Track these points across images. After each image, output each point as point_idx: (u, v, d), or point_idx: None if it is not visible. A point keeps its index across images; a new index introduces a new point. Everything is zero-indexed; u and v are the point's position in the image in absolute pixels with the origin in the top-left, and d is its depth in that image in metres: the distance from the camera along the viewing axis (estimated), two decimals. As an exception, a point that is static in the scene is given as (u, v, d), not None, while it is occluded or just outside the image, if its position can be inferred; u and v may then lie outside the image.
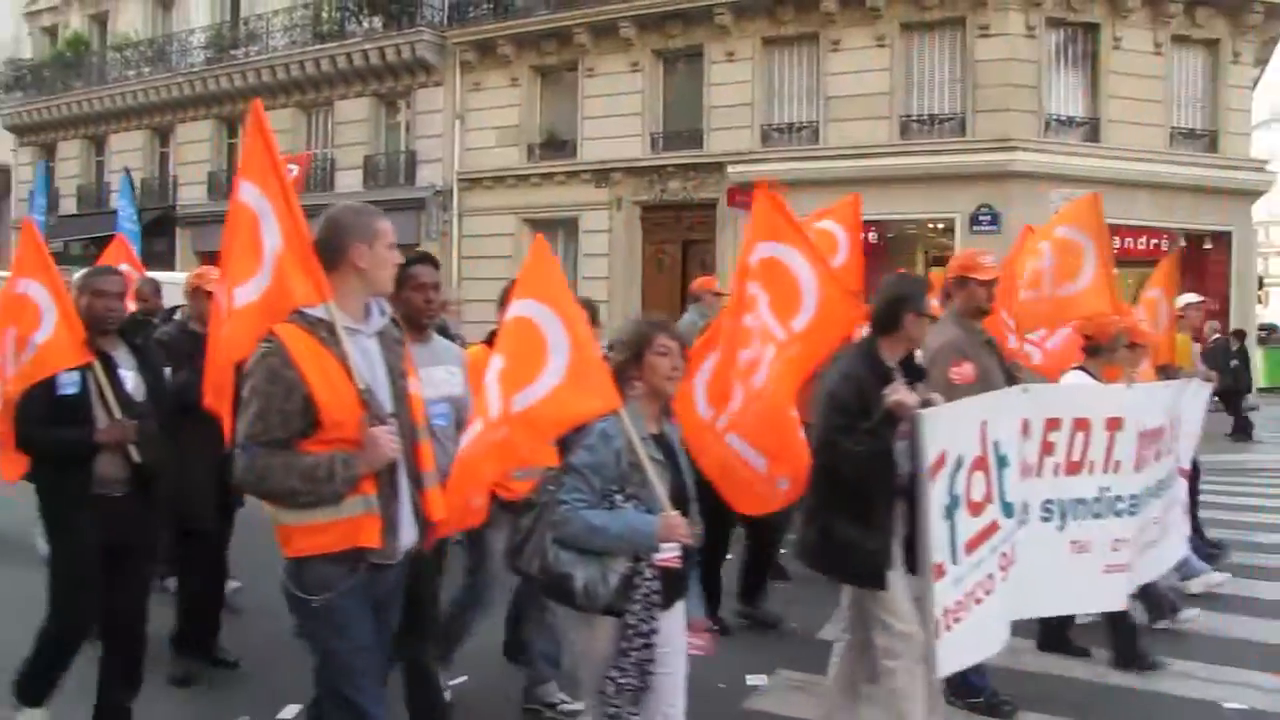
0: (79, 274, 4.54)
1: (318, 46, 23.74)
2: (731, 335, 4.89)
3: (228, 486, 4.72)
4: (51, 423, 4.17)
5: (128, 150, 28.06)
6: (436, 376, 4.10)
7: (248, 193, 3.35)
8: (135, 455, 4.21)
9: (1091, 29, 18.19)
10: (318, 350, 2.92)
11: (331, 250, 3.04)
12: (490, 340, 4.51)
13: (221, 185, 25.97)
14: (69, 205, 29.32)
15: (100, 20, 29.31)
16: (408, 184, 22.51)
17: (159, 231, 25.53)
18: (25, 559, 7.12)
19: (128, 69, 27.68)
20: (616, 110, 20.39)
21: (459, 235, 22.15)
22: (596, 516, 3.22)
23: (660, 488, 3.28)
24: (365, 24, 23.31)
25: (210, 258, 18.71)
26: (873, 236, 17.27)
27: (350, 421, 2.92)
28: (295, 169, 11.20)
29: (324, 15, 24.07)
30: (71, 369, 4.18)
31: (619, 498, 3.28)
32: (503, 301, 4.26)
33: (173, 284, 10.68)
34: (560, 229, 20.61)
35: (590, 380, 3.35)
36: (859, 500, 3.89)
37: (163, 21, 27.93)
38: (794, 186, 18.00)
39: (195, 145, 26.65)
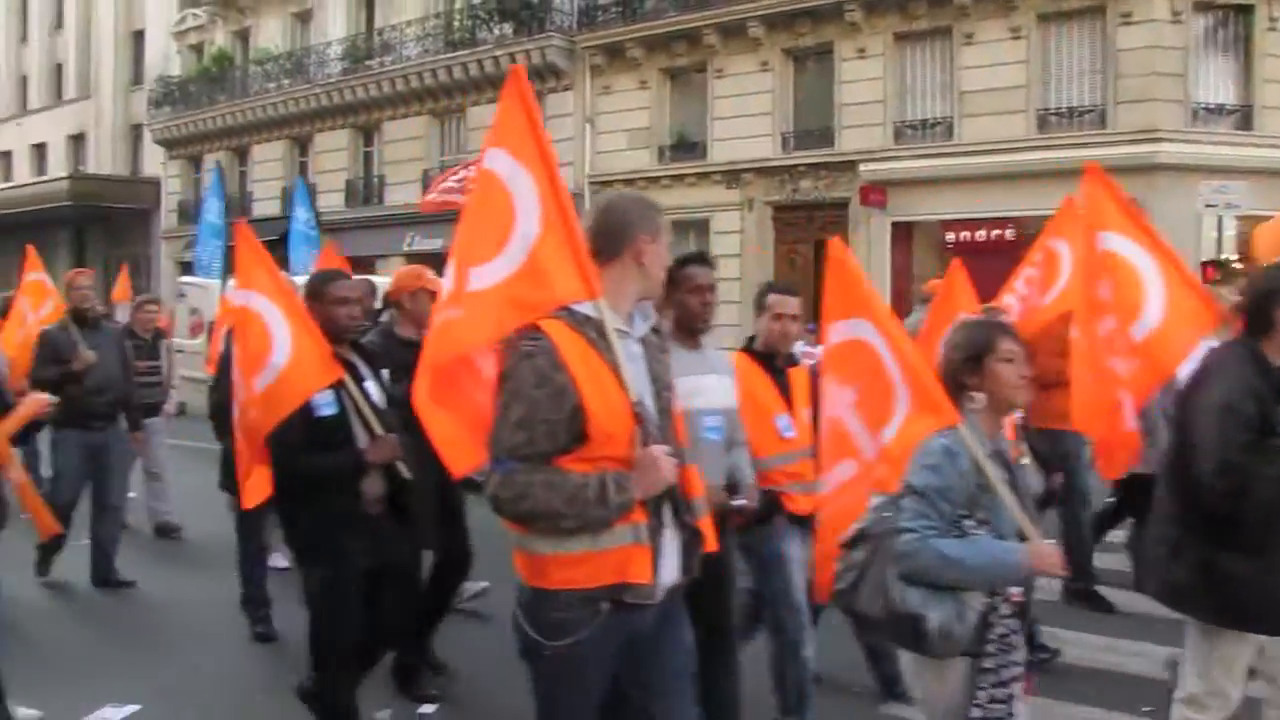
0: (308, 280, 4.42)
1: (450, 54, 24.90)
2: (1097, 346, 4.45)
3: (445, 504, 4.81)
4: (313, 447, 4.04)
5: (269, 160, 29.85)
6: (708, 385, 3.86)
7: (500, 162, 3.05)
8: (404, 471, 4.15)
9: (1244, 11, 17.96)
10: (587, 353, 2.65)
11: (610, 241, 2.82)
12: (749, 348, 4.46)
13: (359, 193, 27.47)
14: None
15: (243, 36, 31.21)
16: (539, 187, 23.40)
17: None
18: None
19: (268, 82, 29.41)
20: (746, 110, 20.92)
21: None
22: (950, 546, 2.88)
23: (1018, 511, 2.98)
24: (496, 31, 24.35)
25: (348, 263, 19.83)
26: (1010, 234, 17.50)
27: (622, 436, 2.65)
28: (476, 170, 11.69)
29: (455, 24, 25.25)
30: (323, 389, 4.07)
31: (970, 524, 2.94)
32: (757, 306, 4.44)
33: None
34: (691, 231, 21.24)
35: (929, 397, 3.15)
36: (1256, 529, 3.39)
37: (301, 35, 29.63)
38: (928, 184, 18.53)
39: (332, 154, 28.18)
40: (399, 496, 4.17)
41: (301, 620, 4.31)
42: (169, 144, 32.81)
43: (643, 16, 22.24)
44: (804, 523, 4.09)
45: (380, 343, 4.91)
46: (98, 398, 7.13)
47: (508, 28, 24.09)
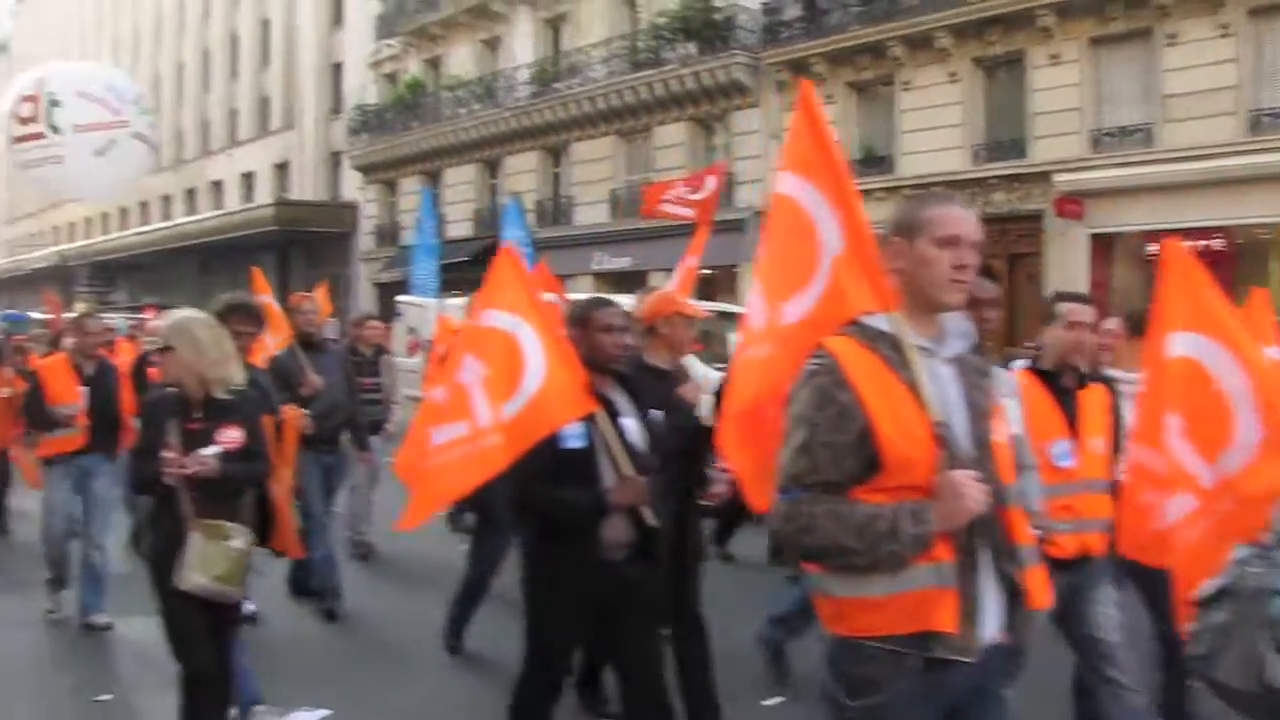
0: (573, 306, 4.38)
1: (635, 75, 25.76)
2: None
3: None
4: (555, 480, 3.92)
5: (461, 183, 31.43)
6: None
7: (795, 187, 3.00)
8: (649, 518, 3.96)
9: None
10: (879, 370, 2.48)
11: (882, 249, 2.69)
12: (1035, 365, 4.17)
13: (548, 213, 28.59)
14: (409, 237, 32.97)
15: (434, 64, 32.96)
16: (726, 206, 23.90)
17: (489, 258, 28.31)
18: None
19: (459, 107, 30.98)
20: (935, 123, 21.00)
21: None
22: None
23: None
24: (681, 50, 25.01)
25: (559, 282, 20.71)
26: (1219, 244, 17.07)
27: (921, 463, 2.42)
28: (712, 181, 12.03)
29: (640, 45, 26.09)
30: (574, 421, 3.95)
31: None
32: (1045, 317, 4.16)
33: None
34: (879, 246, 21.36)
35: None
36: None
37: (490, 61, 31.11)
38: (1128, 193, 18.22)
39: (522, 176, 29.46)
40: (645, 544, 3.99)
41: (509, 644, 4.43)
42: (366, 169, 34.90)
43: (827, 31, 22.52)
44: (1069, 566, 3.76)
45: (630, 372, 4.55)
46: (325, 422, 7.17)
47: (692, 47, 24.77)
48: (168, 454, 4.22)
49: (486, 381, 4.09)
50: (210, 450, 4.27)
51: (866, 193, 21.92)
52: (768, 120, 23.62)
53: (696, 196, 11.82)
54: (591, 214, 26.67)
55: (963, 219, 2.58)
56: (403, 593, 8.01)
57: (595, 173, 27.48)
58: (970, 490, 2.37)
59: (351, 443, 7.83)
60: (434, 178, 32.95)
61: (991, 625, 2.50)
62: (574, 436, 3.94)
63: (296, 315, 7.54)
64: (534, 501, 4.03)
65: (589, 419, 3.96)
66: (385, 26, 34.05)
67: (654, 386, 4.41)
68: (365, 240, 35.57)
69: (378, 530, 8.85)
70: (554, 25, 29.27)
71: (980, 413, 2.59)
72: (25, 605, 7.28)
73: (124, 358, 10.43)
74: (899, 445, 2.42)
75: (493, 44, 31.09)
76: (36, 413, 7.11)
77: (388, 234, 34.55)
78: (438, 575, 8.11)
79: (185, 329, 4.44)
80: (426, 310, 16.41)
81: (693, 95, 24.80)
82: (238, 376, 4.55)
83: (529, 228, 19.95)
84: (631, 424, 4.08)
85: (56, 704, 4.34)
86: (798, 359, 2.64)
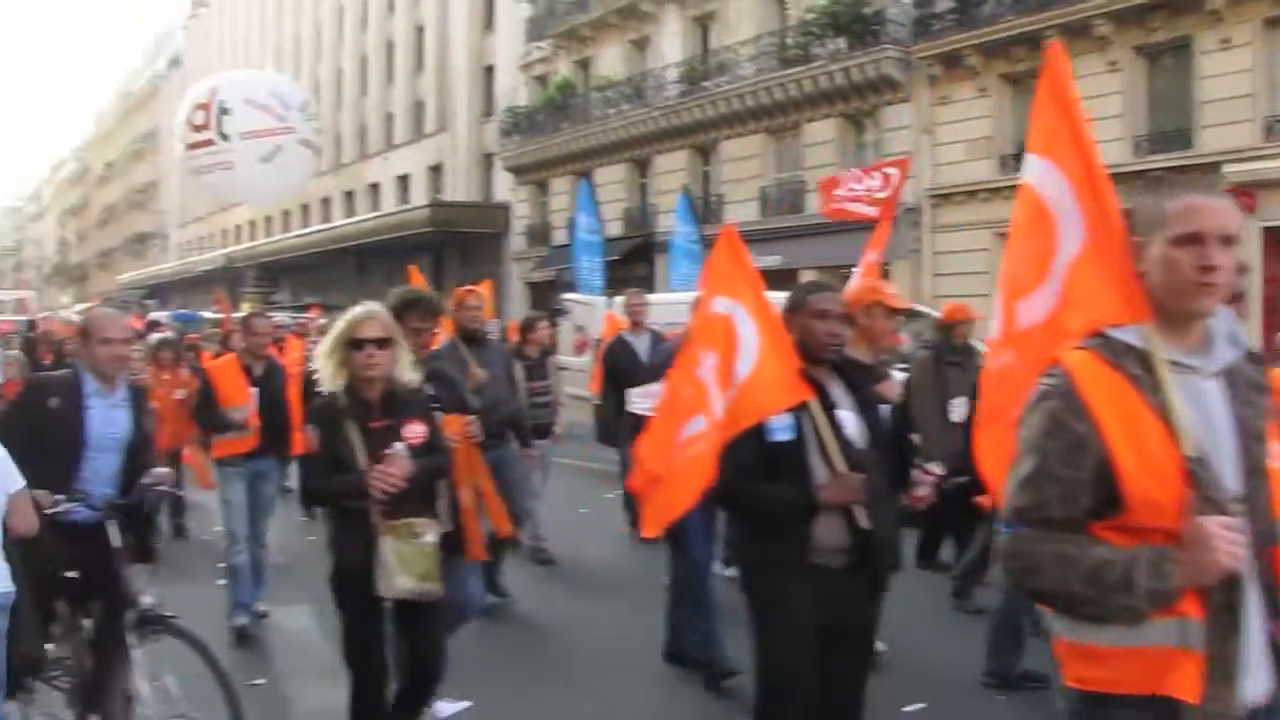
0: (791, 291, 4.09)
1: (784, 72, 25.98)
2: None
3: None
4: (762, 475, 3.75)
5: (611, 182, 32.07)
6: None
7: (1036, 171, 2.82)
8: (862, 519, 3.68)
9: None
10: (1124, 394, 2.20)
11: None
12: None
13: (697, 211, 28.85)
14: (560, 237, 33.89)
15: (584, 65, 33.74)
16: (876, 202, 23.88)
17: (639, 257, 28.91)
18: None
19: (609, 107, 31.65)
20: (1094, 114, 20.57)
21: (930, 252, 23.28)
22: None
23: None
24: (830, 46, 25.08)
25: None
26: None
27: (1168, 504, 2.14)
28: (895, 173, 11.60)
29: (789, 41, 26.25)
30: (783, 410, 3.72)
31: None
32: None
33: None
34: (1036, 241, 21.07)
35: None
36: None
37: (639, 61, 31.68)
38: (1305, 185, 17.61)
39: (671, 174, 29.90)
40: (863, 550, 3.73)
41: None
42: (518, 170, 35.93)
43: (980, 22, 22.31)
44: None
45: None
46: (488, 415, 6.84)
47: (841, 42, 24.82)
48: (381, 469, 4.14)
49: (717, 372, 3.95)
50: (398, 448, 4.21)
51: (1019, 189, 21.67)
52: (919, 115, 23.56)
53: (881, 194, 11.86)
54: (741, 212, 26.94)
55: (1206, 210, 2.24)
56: (572, 596, 8.05)
57: (744, 171, 27.77)
58: (1224, 542, 2.07)
59: (515, 440, 7.68)
60: (584, 178, 33.63)
61: (1256, 684, 2.18)
62: (782, 428, 3.74)
63: (461, 310, 7.47)
64: (738, 497, 3.87)
65: (800, 410, 3.75)
66: (535, 29, 35.00)
67: (855, 379, 4.06)
68: (517, 240, 36.62)
69: (547, 532, 8.91)
70: (702, 24, 29.66)
71: (1253, 435, 2.27)
72: (196, 596, 7.04)
73: (293, 356, 11.06)
74: (1142, 484, 2.15)
75: (641, 44, 31.67)
76: (208, 415, 7.22)
77: (539, 234, 35.50)
78: (610, 580, 8.45)
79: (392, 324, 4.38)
80: (594, 308, 16.52)
81: (842, 91, 24.87)
82: (413, 372, 4.50)
83: (698, 225, 19.79)
84: (848, 417, 3.85)
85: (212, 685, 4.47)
86: (1034, 370, 2.39)
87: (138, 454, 4.85)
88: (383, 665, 4.41)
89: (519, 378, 8.20)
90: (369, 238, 40.11)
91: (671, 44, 30.22)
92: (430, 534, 4.29)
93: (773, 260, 24.61)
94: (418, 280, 8.97)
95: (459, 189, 40.11)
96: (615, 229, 31.32)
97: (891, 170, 11.81)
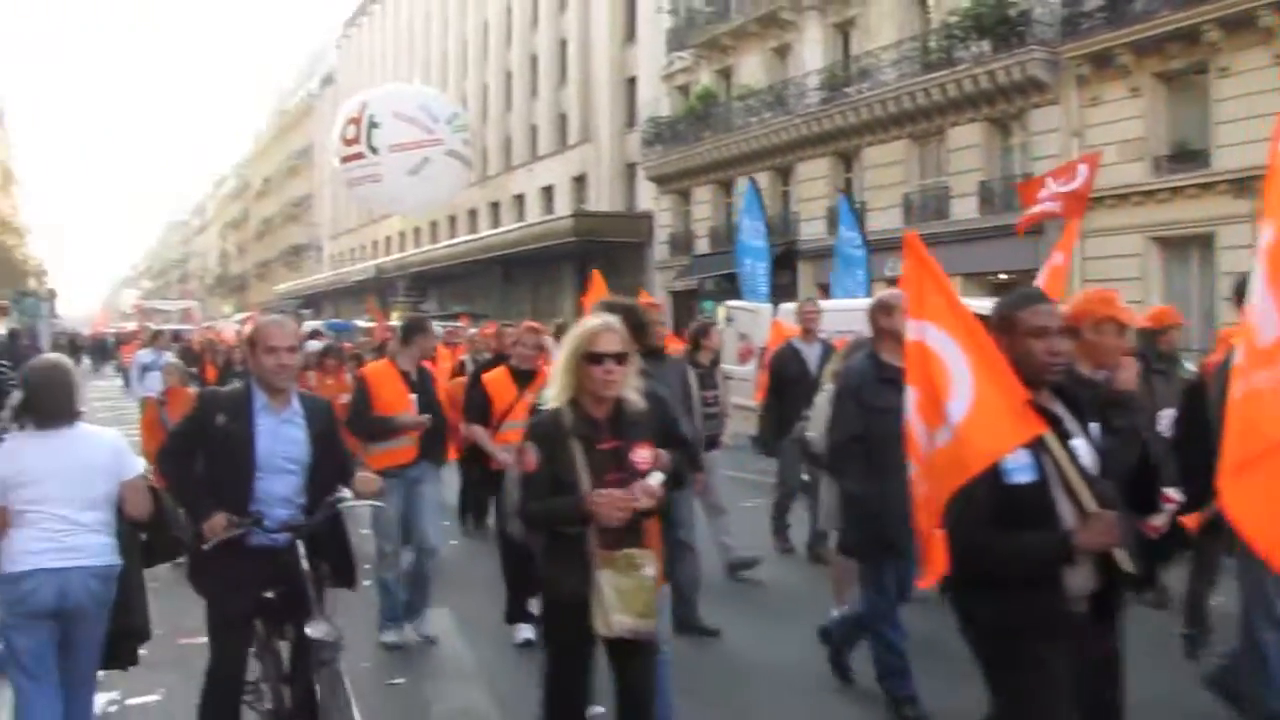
0: (997, 304, 3.63)
1: (927, 77, 25.89)
2: None
3: None
4: (1002, 523, 3.28)
5: (753, 191, 32.28)
6: None
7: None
8: (1125, 563, 3.33)
9: None
10: None
11: None
12: None
13: (838, 220, 28.99)
14: (702, 246, 34.38)
15: (725, 74, 34.15)
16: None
17: (782, 265, 29.07)
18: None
19: (750, 116, 31.99)
20: (1257, 111, 20.00)
21: (1081, 257, 22.90)
22: None
23: None
24: (974, 49, 24.89)
25: (826, 291, 20.82)
26: None
27: None
28: (1085, 168, 11.25)
29: (932, 45, 26.13)
30: (1018, 448, 3.27)
31: None
32: None
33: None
34: (1193, 247, 20.68)
35: None
36: None
37: (780, 68, 31.89)
38: None
39: (813, 182, 30.11)
40: (1109, 595, 3.42)
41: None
42: (660, 180, 36.53)
43: (1132, 19, 21.86)
44: None
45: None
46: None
47: (986, 44, 24.62)
48: (615, 493, 3.87)
49: (920, 408, 3.49)
50: (656, 478, 3.95)
51: (1178, 190, 21.29)
52: (1068, 118, 23.24)
53: (1067, 188, 11.33)
54: (884, 219, 26.94)
55: None
56: (776, 621, 7.69)
57: (887, 177, 27.74)
58: None
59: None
60: (726, 187, 34.08)
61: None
62: (1021, 469, 3.30)
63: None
64: (983, 552, 3.32)
65: (1036, 445, 3.31)
66: (676, 39, 35.54)
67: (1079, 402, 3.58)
68: (660, 249, 37.19)
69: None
70: (843, 30, 29.76)
71: None
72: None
73: (443, 365, 11.37)
74: None
75: (782, 51, 31.90)
76: (366, 422, 6.96)
77: (681, 243, 36.00)
78: (750, 590, 8.37)
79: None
80: (758, 315, 16.30)
81: (987, 95, 24.67)
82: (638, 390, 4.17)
83: (863, 230, 19.27)
84: (1083, 446, 3.43)
85: (355, 681, 4.62)
86: None
87: (321, 473, 4.64)
88: (583, 711, 4.12)
89: (694, 391, 7.79)
90: (514, 248, 41.31)
91: (812, 51, 30.37)
92: (650, 567, 3.99)
93: (916, 268, 24.56)
94: (600, 288, 8.46)
95: (602, 199, 40.94)
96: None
97: (1081, 165, 11.36)
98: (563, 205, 43.11)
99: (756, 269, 17.98)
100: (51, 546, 4.40)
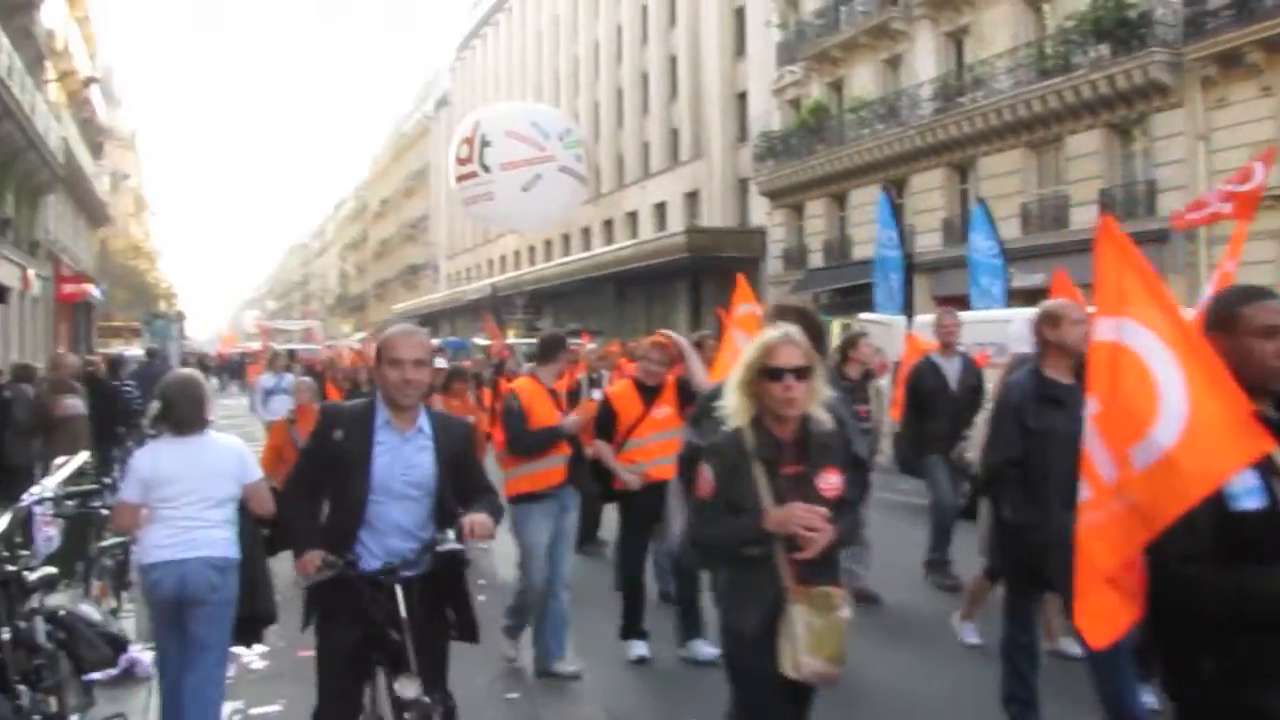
0: (1213, 302, 3.23)
1: (1044, 83, 25.58)
2: None
3: None
4: (1228, 558, 2.78)
5: (866, 204, 32.21)
6: None
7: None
8: None
9: None
10: None
11: None
12: None
13: (955, 230, 28.80)
14: (816, 260, 34.38)
15: (837, 87, 34.20)
16: (1147, 216, 23.21)
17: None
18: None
19: (863, 128, 31.98)
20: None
21: (1207, 266, 22.36)
22: None
23: None
24: (1092, 53, 24.50)
25: (945, 302, 20.76)
26: None
27: None
28: (1259, 167, 10.74)
29: (1048, 51, 25.80)
30: (1244, 469, 2.75)
31: None
32: None
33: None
34: (1330, 251, 20.02)
35: None
36: None
37: (892, 80, 31.84)
38: None
39: (928, 194, 29.94)
40: None
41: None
42: (772, 195, 36.67)
43: (1262, 15, 21.25)
44: None
45: None
46: None
47: (1104, 48, 24.22)
48: (808, 508, 3.58)
49: (1102, 420, 3.02)
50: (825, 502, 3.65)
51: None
52: (1192, 121, 22.72)
53: (1241, 189, 10.73)
54: (1001, 229, 26.43)
55: None
56: (907, 650, 7.33)
57: (1004, 187, 27.42)
58: None
59: None
60: (839, 200, 34.04)
61: None
62: (1248, 494, 2.80)
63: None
64: (1205, 593, 2.81)
65: (1264, 464, 2.80)
66: (787, 53, 35.73)
67: None
68: (773, 264, 37.25)
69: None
70: (956, 39, 29.57)
71: None
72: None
73: (561, 381, 11.74)
74: None
75: (894, 62, 31.82)
76: (527, 436, 6.60)
77: (795, 258, 36.05)
78: (903, 624, 7.85)
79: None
80: (893, 328, 16.08)
81: (1107, 100, 24.26)
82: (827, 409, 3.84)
83: (998, 237, 18.72)
84: None
85: (470, 695, 4.74)
86: None
87: (452, 502, 4.17)
88: None
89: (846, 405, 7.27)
90: (627, 265, 41.83)
91: (925, 61, 30.23)
92: (846, 608, 3.68)
93: (1035, 280, 24.21)
94: (744, 292, 7.96)
95: (715, 215, 41.21)
96: (871, 251, 31.45)
97: (1258, 164, 10.81)
98: (675, 221, 43.51)
99: (890, 280, 17.40)
100: (176, 541, 4.91)
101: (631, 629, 7.12)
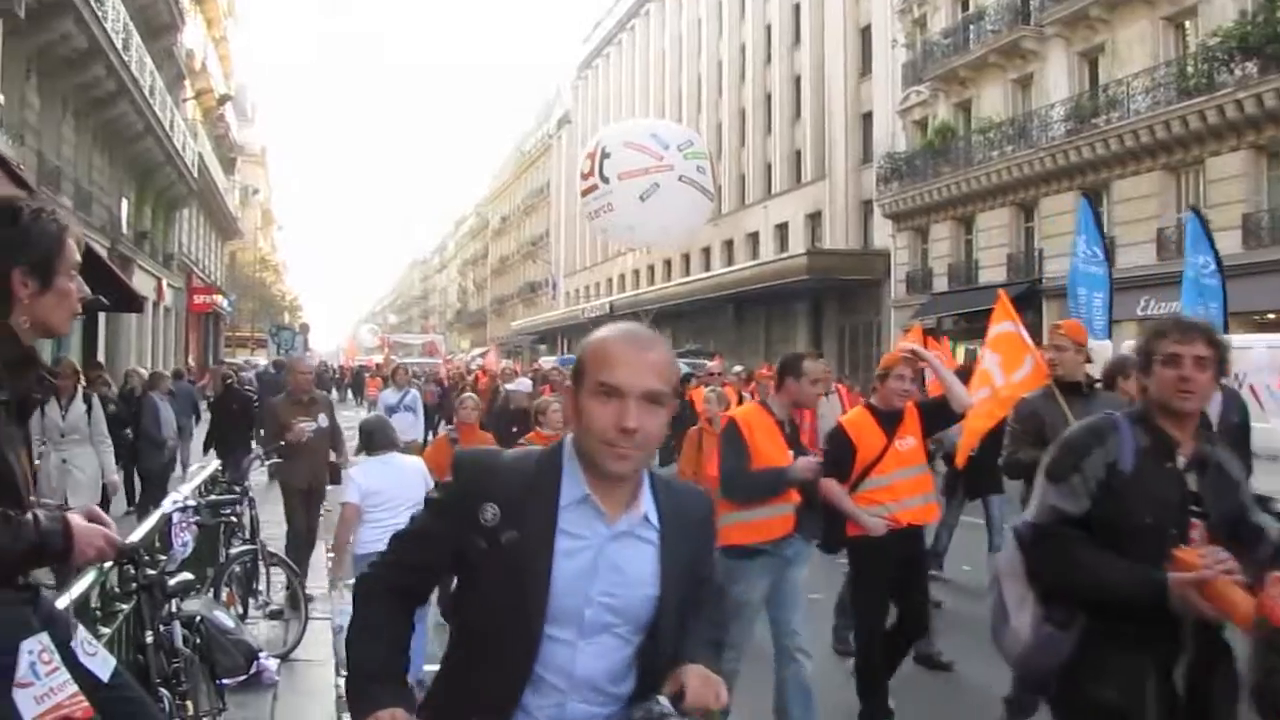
0: None
1: (1184, 103, 24.94)
2: None
3: None
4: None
5: (994, 227, 31.93)
6: None
7: None
8: None
9: None
10: None
11: None
12: None
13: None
14: (940, 284, 34.00)
15: (964, 107, 33.84)
16: (1299, 242, 22.43)
17: (1025, 305, 28.38)
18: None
19: (991, 150, 31.54)
20: None
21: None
22: None
23: None
24: (1238, 72, 23.79)
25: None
26: None
27: None
28: None
29: (1189, 69, 25.11)
30: None
31: None
32: None
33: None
34: None
35: None
36: None
37: (1022, 100, 31.39)
38: None
39: (1058, 218, 29.30)
40: None
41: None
42: (896, 217, 36.40)
43: None
44: None
45: None
46: None
47: (1252, 66, 23.48)
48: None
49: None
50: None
51: None
52: (1348, 143, 21.89)
53: None
54: (1135, 255, 26.05)
55: None
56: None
57: (1139, 211, 26.80)
58: None
59: None
60: (965, 223, 33.63)
61: None
62: None
63: (1060, 352, 6.30)
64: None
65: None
66: (913, 73, 35.48)
67: None
68: (897, 288, 36.91)
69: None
70: (1089, 58, 29.04)
71: None
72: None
73: (698, 407, 11.55)
74: None
75: (1024, 82, 31.38)
76: (747, 479, 5.56)
77: (919, 281, 35.68)
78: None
79: None
80: (1096, 354, 15.15)
81: (1253, 120, 23.54)
82: None
83: (1215, 252, 17.11)
84: None
85: None
86: None
87: (672, 640, 2.34)
88: None
89: None
90: (747, 286, 41.81)
91: (1057, 80, 29.73)
92: None
93: (1170, 307, 23.62)
94: (1004, 310, 7.38)
95: (837, 236, 41.06)
96: (998, 275, 31.10)
97: None
98: (797, 243, 43.44)
99: (1093, 300, 16.06)
100: (381, 536, 5.69)
101: (876, 712, 6.05)
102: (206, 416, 17.18)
